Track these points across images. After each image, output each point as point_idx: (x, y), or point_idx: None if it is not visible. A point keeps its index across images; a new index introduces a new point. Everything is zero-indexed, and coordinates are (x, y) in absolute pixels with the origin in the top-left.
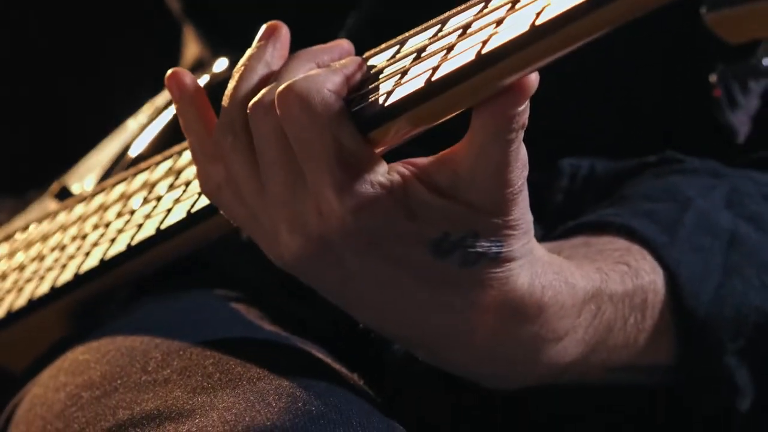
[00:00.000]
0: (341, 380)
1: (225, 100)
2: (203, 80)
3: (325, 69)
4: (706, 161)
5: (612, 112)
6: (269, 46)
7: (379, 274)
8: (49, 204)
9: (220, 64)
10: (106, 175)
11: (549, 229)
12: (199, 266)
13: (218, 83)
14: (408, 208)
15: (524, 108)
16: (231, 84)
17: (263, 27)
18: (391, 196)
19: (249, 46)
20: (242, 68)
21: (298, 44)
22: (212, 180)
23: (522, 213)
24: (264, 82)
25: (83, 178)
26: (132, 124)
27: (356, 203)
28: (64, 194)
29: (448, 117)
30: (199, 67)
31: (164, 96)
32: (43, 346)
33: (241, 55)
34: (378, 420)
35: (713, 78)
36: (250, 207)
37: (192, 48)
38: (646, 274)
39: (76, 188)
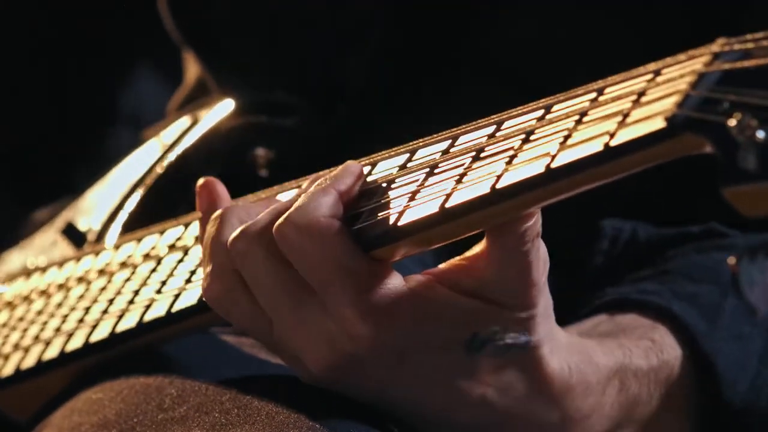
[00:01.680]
0: (359, 411)
1: (206, 251)
2: (207, 123)
3: (315, 192)
4: (751, 236)
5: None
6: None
7: (413, 380)
8: (56, 239)
9: (226, 107)
10: (114, 215)
11: (587, 291)
12: None
13: (224, 131)
14: (433, 314)
15: (534, 221)
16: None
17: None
18: (414, 305)
19: (248, 70)
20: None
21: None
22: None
23: (546, 301)
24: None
25: (90, 215)
26: (138, 159)
27: (381, 321)
28: (70, 231)
29: (460, 238)
30: (200, 90)
31: (171, 132)
32: (51, 395)
33: (242, 79)
34: None
35: (731, 260)
36: (266, 338)
37: (192, 71)
38: (672, 350)
39: (83, 225)
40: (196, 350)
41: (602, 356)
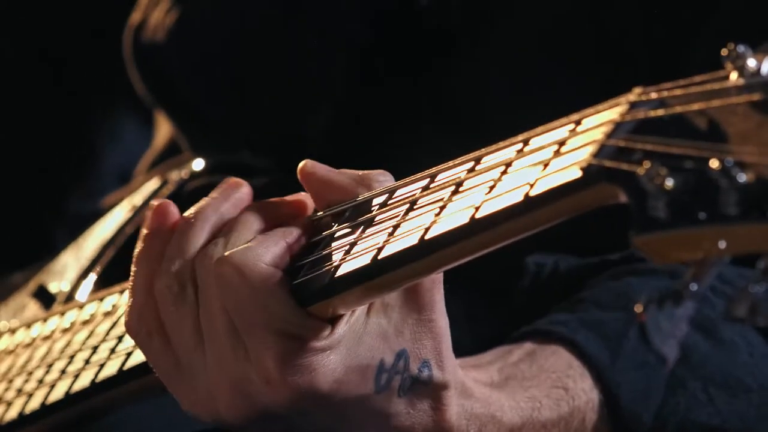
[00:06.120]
0: None
1: (172, 248)
2: (175, 184)
3: (265, 239)
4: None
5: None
6: (224, 198)
7: (326, 425)
8: (27, 302)
9: (197, 165)
10: (83, 276)
11: (510, 327)
12: None
13: (191, 191)
14: (355, 365)
15: None
16: (182, 231)
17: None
18: (339, 362)
19: (216, 129)
20: (194, 215)
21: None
22: (145, 322)
23: (438, 315)
24: (216, 233)
25: (61, 277)
26: (109, 221)
27: (302, 377)
28: (41, 293)
29: (398, 289)
30: (170, 150)
31: (141, 194)
32: None
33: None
34: None
35: (638, 307)
36: (185, 362)
37: (163, 130)
38: (584, 394)
39: (53, 287)
40: (166, 414)
41: (508, 411)
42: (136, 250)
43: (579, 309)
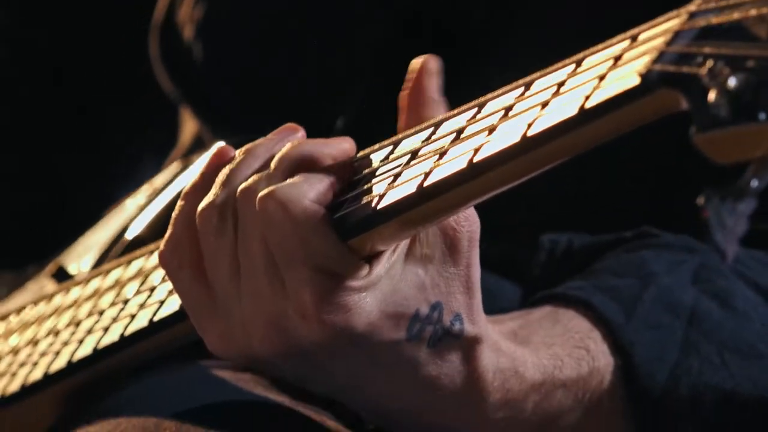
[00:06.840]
0: None
1: (220, 178)
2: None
3: (309, 176)
4: (682, 237)
5: (593, 190)
6: (279, 140)
7: (354, 367)
8: (46, 283)
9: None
10: (103, 256)
11: (525, 301)
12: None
13: None
14: (392, 304)
15: None
16: (230, 164)
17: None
18: (375, 301)
19: (243, 126)
20: (245, 152)
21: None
22: (179, 254)
23: (473, 271)
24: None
25: (80, 258)
26: (130, 204)
27: (338, 314)
28: (61, 274)
29: (440, 221)
30: (197, 145)
31: (163, 177)
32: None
33: (240, 138)
34: None
35: (701, 200)
36: (220, 295)
37: (190, 126)
38: (603, 357)
39: (72, 269)
40: (191, 389)
41: (531, 368)
42: (186, 187)
43: (593, 277)
